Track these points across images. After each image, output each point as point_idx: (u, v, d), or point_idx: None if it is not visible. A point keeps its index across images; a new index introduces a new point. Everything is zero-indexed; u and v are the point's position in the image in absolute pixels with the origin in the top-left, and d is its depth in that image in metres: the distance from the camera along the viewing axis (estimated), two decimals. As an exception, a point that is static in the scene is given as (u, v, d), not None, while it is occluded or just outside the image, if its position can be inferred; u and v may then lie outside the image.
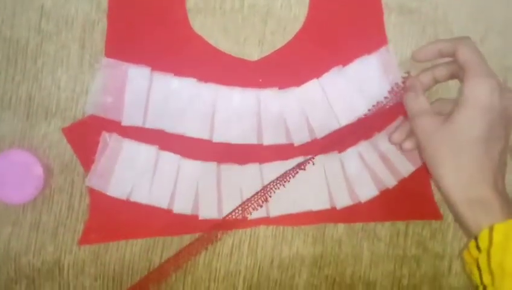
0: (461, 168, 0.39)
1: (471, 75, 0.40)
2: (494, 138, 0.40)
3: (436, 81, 0.46)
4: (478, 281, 0.39)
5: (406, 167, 0.52)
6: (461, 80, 0.43)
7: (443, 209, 0.53)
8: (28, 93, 0.49)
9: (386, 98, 0.48)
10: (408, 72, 0.46)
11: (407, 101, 0.44)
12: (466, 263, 0.40)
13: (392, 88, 0.47)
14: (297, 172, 0.49)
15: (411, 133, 0.46)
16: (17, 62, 0.49)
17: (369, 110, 0.49)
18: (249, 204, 0.49)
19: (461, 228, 0.41)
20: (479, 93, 0.39)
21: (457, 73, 0.44)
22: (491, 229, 0.38)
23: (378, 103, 0.48)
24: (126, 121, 0.48)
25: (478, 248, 0.38)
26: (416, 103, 0.43)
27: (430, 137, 0.41)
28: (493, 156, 0.40)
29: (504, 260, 0.37)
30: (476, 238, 0.39)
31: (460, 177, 0.39)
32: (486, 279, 0.38)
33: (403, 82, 0.46)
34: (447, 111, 0.43)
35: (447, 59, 0.45)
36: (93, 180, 0.49)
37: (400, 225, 0.53)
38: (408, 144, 0.46)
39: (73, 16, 0.49)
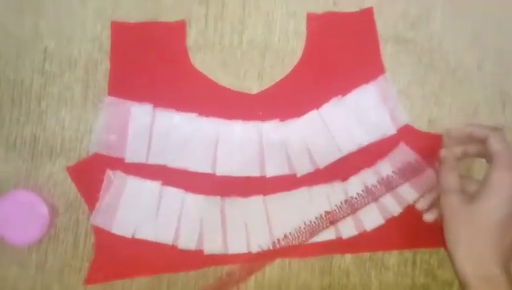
0: (475, 249, 0.42)
1: (498, 165, 0.43)
2: (510, 225, 0.43)
3: (465, 156, 0.48)
4: None
5: (411, 194, 0.51)
6: (487, 161, 0.46)
7: (450, 236, 0.52)
8: (32, 134, 0.49)
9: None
10: (449, 133, 0.49)
11: (442, 174, 0.47)
12: None
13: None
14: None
15: (434, 204, 0.49)
16: (22, 103, 0.49)
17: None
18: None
19: None
20: (503, 185, 0.43)
21: (485, 154, 0.47)
22: None
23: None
24: (129, 158, 0.49)
25: None
26: (449, 178, 0.46)
27: (454, 214, 0.44)
28: (507, 241, 0.43)
29: None
30: None
31: (475, 254, 0.42)
32: None
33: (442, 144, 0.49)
34: (470, 190, 0.47)
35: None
36: (98, 219, 0.49)
37: (408, 253, 0.52)
38: (430, 216, 0.49)
39: (76, 57, 0.50)
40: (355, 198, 0.51)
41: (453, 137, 0.48)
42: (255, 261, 0.51)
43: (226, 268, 0.50)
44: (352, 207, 0.50)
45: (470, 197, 0.45)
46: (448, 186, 0.46)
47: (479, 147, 0.47)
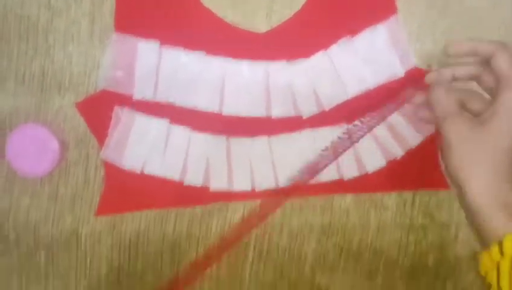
0: (494, 173, 0.39)
1: (508, 85, 0.40)
2: None
3: (454, 80, 0.45)
4: (494, 283, 0.38)
5: (414, 138, 0.52)
6: (479, 83, 0.43)
7: (450, 179, 0.54)
8: (41, 68, 0.50)
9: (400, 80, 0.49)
10: (429, 66, 0.46)
11: (435, 97, 0.44)
12: (482, 263, 0.40)
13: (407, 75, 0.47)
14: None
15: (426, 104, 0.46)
16: (29, 38, 0.49)
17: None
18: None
19: (478, 234, 0.41)
20: None
21: (477, 76, 0.43)
22: None
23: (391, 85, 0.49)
24: (137, 95, 0.49)
25: (501, 252, 0.38)
26: (446, 101, 0.43)
27: (463, 140, 0.40)
28: None
29: None
30: (500, 243, 0.38)
31: (492, 181, 0.39)
32: (505, 283, 0.38)
33: (425, 73, 0.46)
34: (474, 108, 0.43)
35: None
36: (108, 154, 0.50)
37: (407, 194, 0.54)
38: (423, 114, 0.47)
39: (82, -10, 0.49)
40: (352, 128, 0.50)
41: (453, 53, 0.43)
42: (258, 198, 0.52)
43: (231, 204, 0.52)
44: (350, 138, 0.50)
45: (477, 119, 0.41)
46: (448, 110, 0.42)
47: (470, 68, 0.44)
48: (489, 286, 0.40)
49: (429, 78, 0.45)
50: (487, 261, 0.39)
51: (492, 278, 0.39)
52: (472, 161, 0.40)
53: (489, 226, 0.39)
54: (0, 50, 0.49)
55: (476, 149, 0.40)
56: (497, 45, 0.41)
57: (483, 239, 0.40)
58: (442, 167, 0.52)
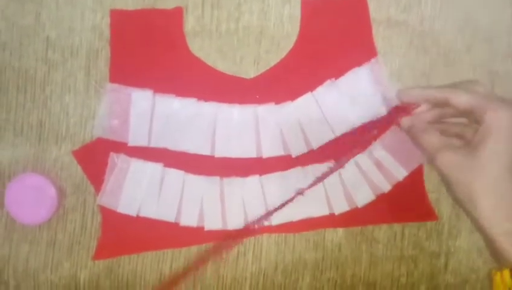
0: (500, 200, 0.38)
1: (488, 104, 0.39)
2: None
3: (442, 118, 0.45)
4: None
5: (400, 172, 0.54)
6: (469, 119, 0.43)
7: (438, 210, 0.56)
8: (38, 119, 0.51)
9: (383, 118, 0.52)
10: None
11: (419, 140, 0.43)
12: (495, 285, 0.39)
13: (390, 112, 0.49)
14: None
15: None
16: (27, 91, 0.51)
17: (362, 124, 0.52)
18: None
19: (493, 256, 0.40)
20: (503, 123, 0.38)
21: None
22: None
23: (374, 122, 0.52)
24: (132, 142, 0.51)
25: None
26: (430, 139, 0.42)
27: (459, 172, 0.39)
28: None
29: None
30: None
31: (499, 209, 0.38)
32: None
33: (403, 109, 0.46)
34: (466, 136, 0.43)
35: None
36: (104, 199, 0.51)
37: (397, 227, 0.56)
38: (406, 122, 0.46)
39: (77, 45, 0.51)
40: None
41: (404, 100, 0.44)
42: (252, 235, 0.54)
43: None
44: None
45: (468, 146, 0.40)
46: (435, 146, 0.41)
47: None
48: None
49: (405, 124, 0.45)
50: (499, 283, 0.38)
51: None
52: (476, 188, 0.38)
53: (503, 251, 0.38)
54: (-1, 103, 0.51)
55: (476, 175, 0.39)
56: (447, 90, 0.41)
57: (498, 260, 0.39)
58: (430, 199, 0.55)
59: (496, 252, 0.38)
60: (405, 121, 0.45)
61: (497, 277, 0.38)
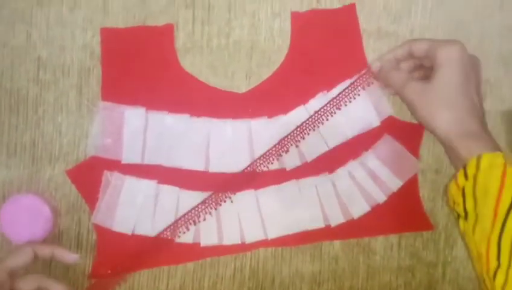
0: (454, 109, 0.46)
1: (438, 44, 0.48)
2: (470, 83, 0.48)
3: (397, 61, 0.52)
4: (461, 209, 0.44)
5: (395, 182, 0.54)
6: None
7: (433, 219, 0.56)
8: (31, 140, 0.51)
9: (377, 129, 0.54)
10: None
11: (390, 77, 0.51)
12: (450, 195, 0.46)
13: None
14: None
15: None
16: (19, 111, 0.51)
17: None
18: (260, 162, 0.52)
19: (453, 163, 0.47)
20: (452, 54, 0.47)
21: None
22: (479, 157, 0.43)
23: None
24: (126, 160, 0.51)
25: (466, 175, 0.43)
26: (399, 75, 0.51)
27: (421, 96, 0.48)
28: (473, 97, 0.47)
29: (488, 183, 0.42)
30: (464, 167, 0.44)
31: (454, 117, 0.46)
32: (470, 205, 0.43)
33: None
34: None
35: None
36: (99, 218, 0.51)
37: (393, 238, 0.56)
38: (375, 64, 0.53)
39: (69, 64, 0.51)
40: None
41: (378, 68, 0.52)
42: (249, 250, 0.54)
43: (222, 259, 0.54)
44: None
45: (427, 77, 0.49)
46: (403, 79, 0.50)
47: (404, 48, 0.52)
48: (457, 216, 0.45)
49: (375, 66, 0.52)
50: (454, 191, 0.45)
51: (458, 207, 0.44)
52: (433, 105, 0.47)
53: (458, 155, 0.45)
54: (-9, 124, 0.51)
55: (433, 97, 0.47)
56: (408, 42, 0.51)
57: (457, 166, 0.46)
58: (425, 209, 0.55)
59: (454, 157, 0.46)
60: (375, 62, 0.53)
61: (453, 187, 0.45)
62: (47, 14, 0.51)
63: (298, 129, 0.52)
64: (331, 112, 0.53)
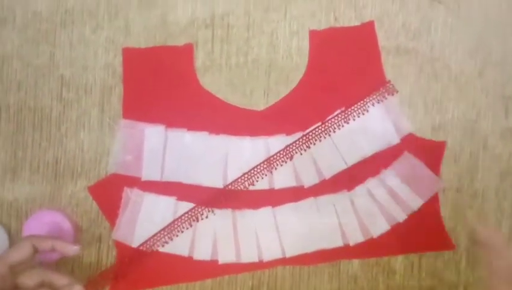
0: None
1: None
2: None
3: None
4: None
5: (415, 201, 0.54)
6: None
7: (455, 239, 0.54)
8: (54, 157, 0.53)
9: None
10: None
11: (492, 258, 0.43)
12: None
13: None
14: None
15: None
16: (43, 129, 0.53)
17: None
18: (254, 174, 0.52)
19: None
20: None
21: None
22: None
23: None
24: (145, 177, 0.52)
25: None
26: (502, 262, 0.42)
27: None
28: None
29: None
30: None
31: None
32: None
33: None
34: None
35: None
36: (119, 234, 0.52)
37: (414, 257, 0.55)
38: None
39: (91, 83, 0.53)
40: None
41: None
42: (266, 268, 0.54)
43: (240, 276, 0.53)
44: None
45: None
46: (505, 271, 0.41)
47: None
48: None
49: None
50: None
51: None
52: None
53: None
54: (15, 141, 0.53)
55: None
56: None
57: None
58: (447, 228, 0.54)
59: None
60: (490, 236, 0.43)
61: None
62: (70, 35, 0.53)
63: (304, 138, 0.52)
64: (339, 125, 0.53)
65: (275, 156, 0.52)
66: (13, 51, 0.53)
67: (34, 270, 0.45)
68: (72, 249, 0.47)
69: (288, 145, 0.52)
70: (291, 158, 0.52)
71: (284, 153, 0.52)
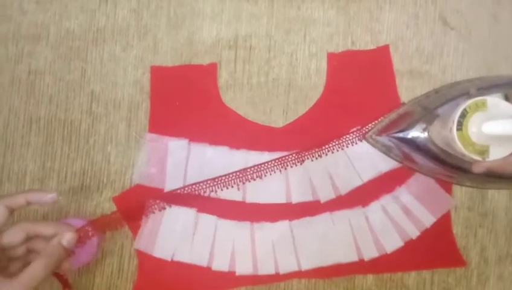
0: None
1: None
2: None
3: None
4: None
5: (428, 218, 0.55)
6: None
7: (466, 256, 0.56)
8: (81, 168, 0.55)
9: None
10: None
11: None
12: None
13: None
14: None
15: None
16: (72, 141, 0.55)
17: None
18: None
19: None
20: None
21: None
22: None
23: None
24: (168, 188, 0.54)
25: None
26: None
27: None
28: None
29: None
30: None
31: None
32: None
33: None
34: None
35: None
36: (141, 244, 0.54)
37: (426, 273, 0.56)
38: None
39: (120, 98, 0.55)
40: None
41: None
42: (282, 281, 0.55)
43: (256, 288, 0.55)
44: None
45: None
46: None
47: None
48: None
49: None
50: None
51: None
52: None
53: None
54: (45, 152, 0.55)
55: None
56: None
57: None
58: (458, 245, 0.55)
59: None
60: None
61: None
62: (101, 52, 0.56)
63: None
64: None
65: (287, 157, 0.54)
66: (46, 66, 0.56)
67: (15, 226, 0.42)
68: (48, 198, 0.43)
69: (300, 152, 0.54)
70: (302, 162, 0.54)
71: (296, 156, 0.54)
